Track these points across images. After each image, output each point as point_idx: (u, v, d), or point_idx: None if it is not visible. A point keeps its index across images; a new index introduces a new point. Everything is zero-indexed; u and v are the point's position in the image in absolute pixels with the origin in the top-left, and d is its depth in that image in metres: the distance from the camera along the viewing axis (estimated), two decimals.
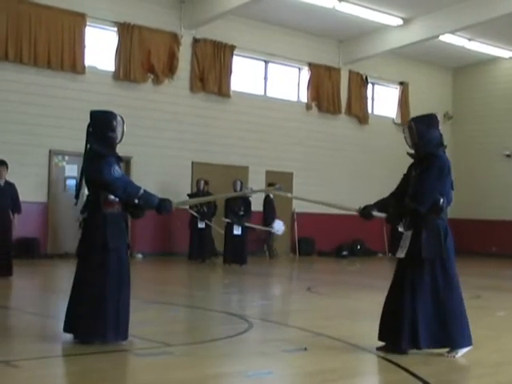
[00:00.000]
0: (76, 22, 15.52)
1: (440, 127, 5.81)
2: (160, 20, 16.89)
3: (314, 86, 19.90)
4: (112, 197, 5.68)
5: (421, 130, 5.66)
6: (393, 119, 22.00)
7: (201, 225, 15.22)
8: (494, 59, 22.06)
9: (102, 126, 5.75)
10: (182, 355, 5.44)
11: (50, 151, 15.36)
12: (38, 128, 15.00)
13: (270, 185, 16.89)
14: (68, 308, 5.72)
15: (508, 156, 21.86)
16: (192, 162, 17.50)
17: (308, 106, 19.94)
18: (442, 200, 5.60)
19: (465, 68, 23.17)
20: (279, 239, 17.77)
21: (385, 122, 21.83)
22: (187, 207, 15.01)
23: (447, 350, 5.55)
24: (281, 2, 17.27)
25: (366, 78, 21.10)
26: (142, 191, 5.71)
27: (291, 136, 19.36)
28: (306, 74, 19.98)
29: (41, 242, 15.03)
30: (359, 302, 9.42)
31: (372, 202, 5.98)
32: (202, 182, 15.67)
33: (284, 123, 19.23)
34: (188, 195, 15.60)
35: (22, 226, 12.17)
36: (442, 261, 5.55)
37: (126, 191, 5.67)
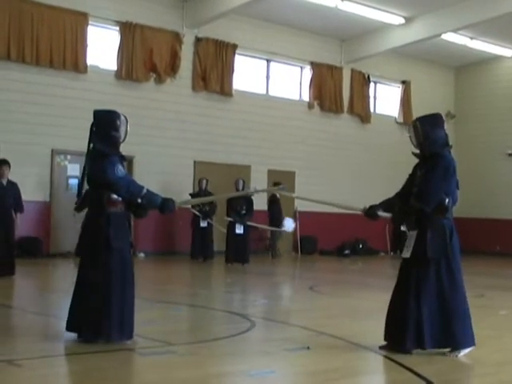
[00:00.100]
0: (78, 21, 15.53)
1: (445, 127, 5.81)
2: (162, 19, 16.89)
3: (316, 84, 19.89)
4: (115, 196, 5.67)
5: (426, 130, 5.64)
6: (395, 118, 21.99)
7: (203, 224, 15.21)
8: (496, 58, 22.04)
9: (105, 126, 5.74)
10: (184, 354, 5.43)
11: (52, 150, 15.37)
12: (40, 127, 15.01)
13: (274, 184, 16.88)
14: (71, 307, 5.72)
15: (510, 155, 21.84)
16: (194, 161, 17.50)
17: (310, 105, 19.93)
18: (447, 200, 5.59)
19: (467, 67, 23.15)
20: (281, 238, 17.78)
21: (387, 120, 21.81)
22: (189, 206, 15.00)
23: (449, 349, 5.54)
24: (283, 1, 17.28)
25: (369, 76, 21.08)
26: (145, 191, 5.71)
27: (293, 135, 19.35)
28: (308, 72, 19.97)
29: (43, 241, 15.05)
30: (361, 301, 9.41)
31: (374, 201, 5.97)
32: (204, 181, 15.67)
33: (286, 122, 19.22)
34: (190, 194, 15.59)
35: (24, 226, 12.18)
36: (448, 261, 5.54)
37: (129, 190, 5.67)
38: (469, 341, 5.54)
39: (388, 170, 20.29)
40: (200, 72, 17.59)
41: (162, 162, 16.75)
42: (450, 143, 5.79)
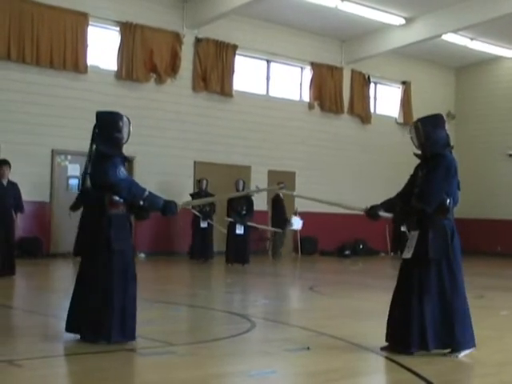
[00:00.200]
0: (78, 21, 15.53)
1: (446, 127, 5.81)
2: (162, 19, 16.89)
3: (317, 85, 19.89)
4: (117, 198, 5.67)
5: (427, 131, 5.65)
6: (395, 119, 21.99)
7: (203, 224, 15.20)
8: (497, 58, 22.05)
9: (107, 127, 5.74)
10: (184, 355, 5.43)
11: (52, 151, 15.37)
12: (41, 127, 15.01)
13: (278, 184, 16.90)
14: (70, 307, 5.71)
15: (511, 155, 21.83)
16: (194, 162, 17.50)
17: (310, 106, 19.93)
18: (448, 200, 5.59)
19: (467, 67, 23.15)
20: (285, 237, 17.82)
21: (387, 121, 21.82)
22: (190, 207, 14.99)
23: (449, 350, 5.54)
24: (283, 1, 17.28)
25: (369, 77, 21.09)
26: (147, 193, 5.70)
27: (293, 135, 19.36)
28: (308, 73, 19.97)
29: (43, 241, 15.05)
30: (362, 302, 9.40)
31: (375, 202, 5.97)
32: (205, 182, 15.66)
33: (286, 123, 19.22)
34: (190, 195, 15.58)
35: (24, 226, 12.19)
36: (449, 261, 5.53)
37: (131, 192, 5.66)
38: (469, 342, 5.54)
39: (388, 171, 20.29)
40: (200, 72, 17.60)
41: (162, 163, 16.75)
42: (451, 144, 5.79)
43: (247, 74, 18.88)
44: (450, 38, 19.32)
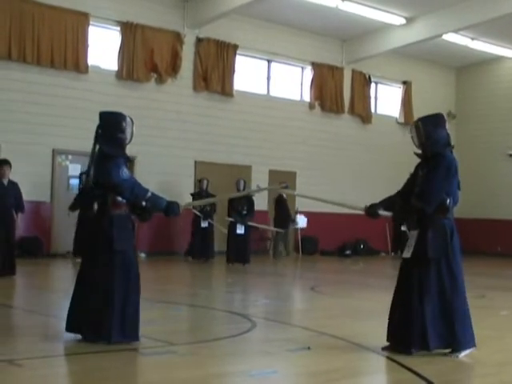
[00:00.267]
0: (79, 21, 15.53)
1: (447, 127, 5.81)
2: (163, 19, 16.89)
3: (317, 85, 19.89)
4: (120, 198, 5.67)
5: (428, 130, 5.65)
6: (396, 118, 21.98)
7: (204, 224, 15.20)
8: (498, 58, 22.03)
9: (110, 128, 5.73)
10: (185, 354, 5.43)
11: (53, 150, 15.36)
12: (41, 127, 15.00)
13: (280, 184, 16.91)
14: (71, 307, 5.71)
15: (511, 155, 21.82)
16: (195, 162, 17.50)
17: (311, 106, 19.93)
18: (448, 200, 5.59)
19: (468, 67, 23.14)
20: (282, 238, 17.80)
21: (388, 121, 21.81)
22: (191, 207, 14.98)
23: (450, 350, 5.54)
24: (284, 1, 17.27)
25: (369, 77, 21.08)
26: (149, 193, 5.70)
27: (294, 135, 19.35)
28: (309, 73, 19.97)
29: (44, 241, 15.05)
30: (362, 302, 9.40)
31: (376, 201, 5.97)
32: (205, 182, 15.65)
33: (287, 122, 19.22)
34: (191, 194, 15.58)
35: (25, 226, 12.19)
36: (448, 261, 5.53)
37: (134, 193, 5.66)
38: (469, 341, 5.55)
39: (389, 171, 20.27)
40: (201, 72, 17.59)
41: (162, 162, 16.74)
42: (452, 143, 5.79)
43: (248, 74, 18.88)
44: (450, 37, 19.31)
